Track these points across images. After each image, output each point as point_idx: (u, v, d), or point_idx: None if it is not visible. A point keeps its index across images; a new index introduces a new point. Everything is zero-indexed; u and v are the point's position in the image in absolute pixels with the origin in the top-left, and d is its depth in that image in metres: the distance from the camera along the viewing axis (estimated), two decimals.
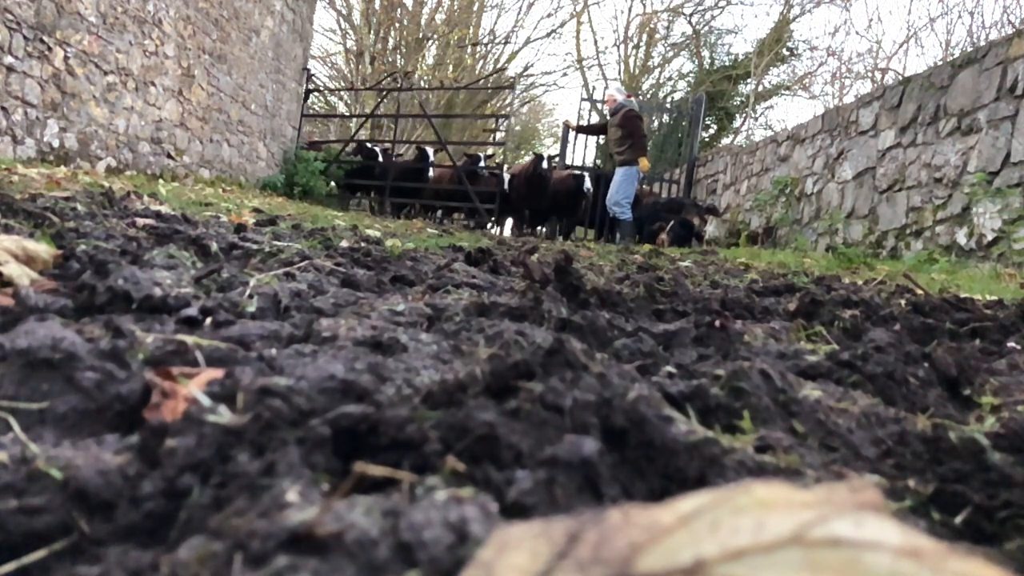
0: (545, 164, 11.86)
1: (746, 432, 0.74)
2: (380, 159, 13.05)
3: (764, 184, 10.15)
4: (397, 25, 22.84)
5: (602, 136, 12.55)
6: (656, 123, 15.51)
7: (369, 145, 13.43)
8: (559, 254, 1.89)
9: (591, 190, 11.88)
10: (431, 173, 13.00)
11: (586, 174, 12.20)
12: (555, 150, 12.66)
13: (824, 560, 0.30)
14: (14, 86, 5.80)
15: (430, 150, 13.02)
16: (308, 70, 13.27)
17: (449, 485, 0.49)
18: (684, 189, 13.05)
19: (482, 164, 12.58)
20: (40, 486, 0.51)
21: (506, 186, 12.25)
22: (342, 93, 22.05)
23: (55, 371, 0.73)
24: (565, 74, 54.89)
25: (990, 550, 0.58)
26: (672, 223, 9.66)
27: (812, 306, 1.74)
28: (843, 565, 0.30)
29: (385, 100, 14.07)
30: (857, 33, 37.07)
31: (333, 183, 12.62)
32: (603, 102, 14.61)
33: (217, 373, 0.77)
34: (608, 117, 10.32)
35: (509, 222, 14.24)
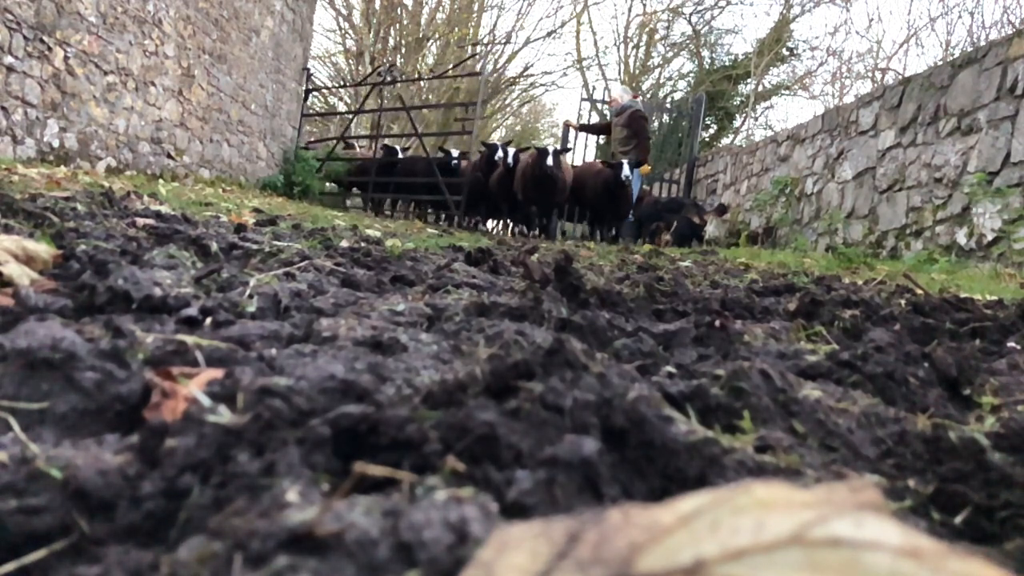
0: (551, 161, 9.72)
1: (746, 432, 0.74)
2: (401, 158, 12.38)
3: (764, 184, 10.15)
4: (397, 25, 22.84)
5: (602, 136, 12.55)
6: (656, 123, 15.50)
7: (392, 145, 12.98)
8: (559, 254, 1.89)
9: (629, 178, 9.69)
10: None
11: (625, 162, 9.73)
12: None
13: (824, 560, 0.30)
14: (14, 86, 5.80)
15: (455, 152, 11.84)
16: (308, 70, 13.24)
17: (449, 485, 0.49)
18: (684, 189, 13.05)
19: (499, 155, 10.79)
20: (40, 486, 0.51)
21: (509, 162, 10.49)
22: (342, 93, 22.05)
23: (55, 371, 0.73)
24: (565, 74, 54.94)
25: (990, 550, 0.58)
26: (676, 223, 9.66)
27: (812, 306, 1.74)
28: (843, 565, 0.30)
29: (373, 96, 13.88)
30: (857, 33, 37.07)
31: (328, 183, 12.44)
32: (604, 102, 14.54)
33: (217, 373, 0.77)
34: (608, 117, 10.35)
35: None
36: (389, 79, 12.45)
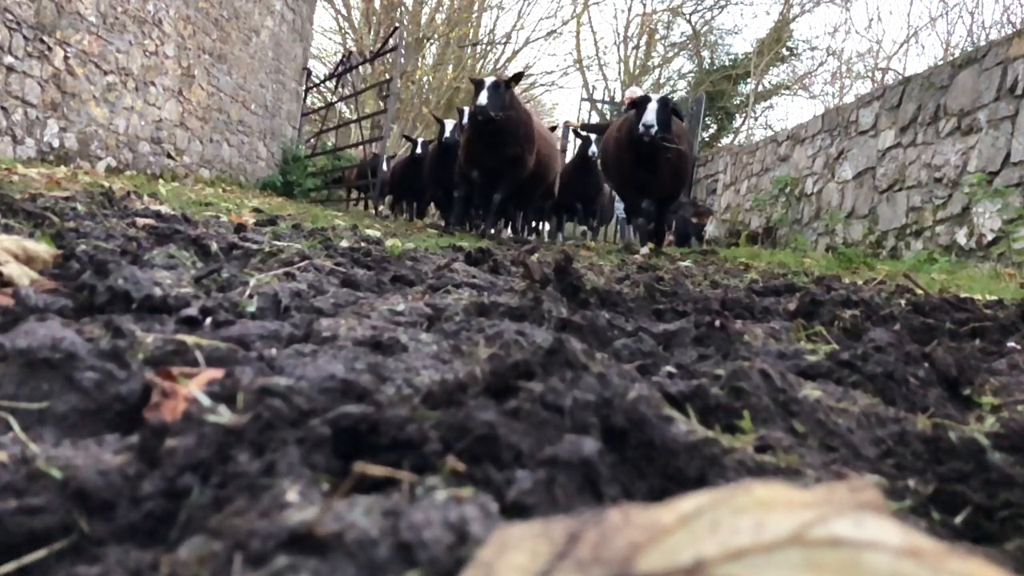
0: (485, 98, 6.29)
1: (746, 432, 0.74)
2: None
3: (764, 184, 10.15)
4: (397, 25, 22.85)
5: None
6: None
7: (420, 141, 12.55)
8: (559, 254, 1.89)
9: (653, 127, 5.95)
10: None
11: (652, 98, 6.20)
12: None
13: (824, 560, 0.30)
14: (14, 86, 5.79)
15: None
16: (308, 70, 13.27)
17: (449, 485, 0.49)
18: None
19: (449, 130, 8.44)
20: (40, 486, 0.51)
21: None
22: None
23: (55, 371, 0.73)
24: (565, 74, 54.81)
25: (990, 550, 0.58)
26: (676, 224, 9.68)
27: (812, 306, 1.74)
28: (843, 565, 0.30)
29: (342, 87, 14.06)
30: (857, 33, 37.05)
31: (316, 180, 12.50)
32: (605, 102, 14.52)
33: (217, 373, 0.77)
34: (609, 116, 10.34)
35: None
36: (349, 67, 12.61)
